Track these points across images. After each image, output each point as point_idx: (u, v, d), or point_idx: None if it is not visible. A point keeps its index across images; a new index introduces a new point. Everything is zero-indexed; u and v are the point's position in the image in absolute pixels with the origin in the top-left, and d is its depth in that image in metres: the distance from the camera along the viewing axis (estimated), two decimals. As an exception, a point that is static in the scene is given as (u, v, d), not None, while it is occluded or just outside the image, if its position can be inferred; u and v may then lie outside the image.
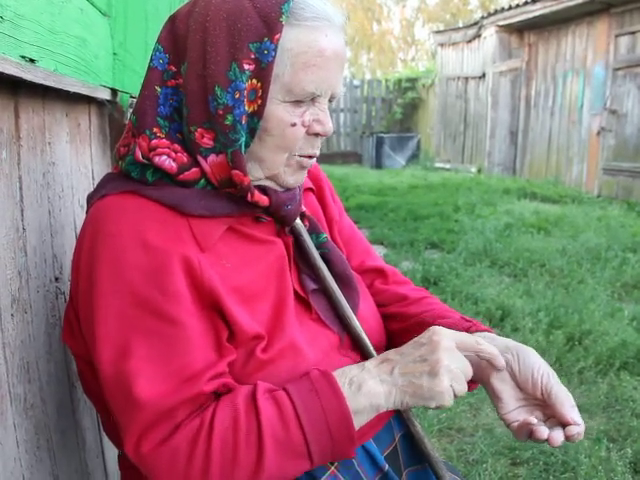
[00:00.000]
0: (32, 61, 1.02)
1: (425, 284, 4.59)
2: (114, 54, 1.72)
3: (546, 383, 0.99)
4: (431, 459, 1.07)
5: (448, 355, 0.92)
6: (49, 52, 1.11)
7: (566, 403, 0.98)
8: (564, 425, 0.97)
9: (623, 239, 5.96)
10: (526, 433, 0.99)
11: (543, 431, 0.96)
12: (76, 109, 1.46)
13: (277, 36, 0.89)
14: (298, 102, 0.94)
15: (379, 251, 5.68)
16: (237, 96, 0.89)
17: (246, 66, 0.89)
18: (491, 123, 12.20)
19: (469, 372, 0.95)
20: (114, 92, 1.72)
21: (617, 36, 9.10)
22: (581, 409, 2.98)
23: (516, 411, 1.02)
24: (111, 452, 1.53)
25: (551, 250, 5.54)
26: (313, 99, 0.95)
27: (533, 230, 6.46)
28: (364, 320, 1.09)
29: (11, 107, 1.04)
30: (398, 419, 1.09)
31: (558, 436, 0.96)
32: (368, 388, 0.90)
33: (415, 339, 0.96)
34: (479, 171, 12.35)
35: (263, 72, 0.90)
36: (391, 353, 0.96)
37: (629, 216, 7.48)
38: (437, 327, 0.97)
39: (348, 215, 1.31)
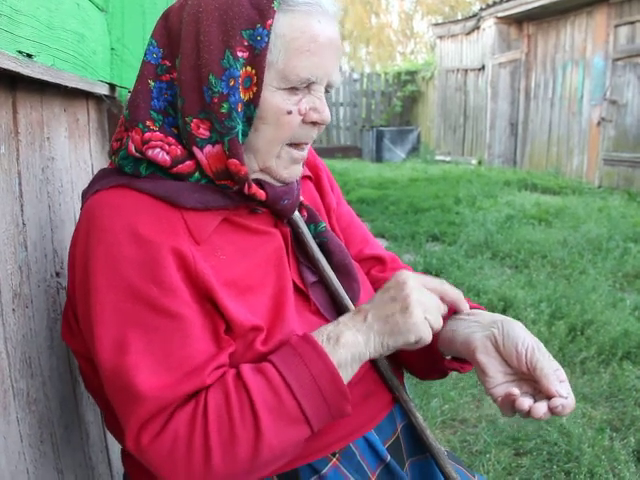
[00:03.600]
0: (29, 56, 1.01)
1: (427, 277, 4.59)
2: (112, 49, 1.72)
3: (531, 356, 0.95)
4: (432, 450, 1.06)
5: (417, 291, 0.95)
6: (46, 47, 1.11)
7: (551, 376, 0.94)
8: (550, 398, 0.93)
9: (624, 229, 5.96)
10: (510, 406, 0.96)
11: (524, 402, 0.93)
12: (74, 104, 1.46)
13: (269, 22, 0.89)
14: (293, 89, 0.93)
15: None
16: (232, 84, 0.89)
17: (240, 53, 0.89)
18: (491, 115, 12.18)
19: (441, 307, 0.98)
20: (112, 87, 1.72)
21: (616, 26, 9.07)
22: (584, 399, 2.97)
23: (503, 385, 0.98)
24: (115, 446, 1.54)
25: (552, 241, 5.54)
26: (309, 87, 0.95)
27: (534, 221, 6.47)
28: None
29: (9, 102, 1.04)
30: (400, 409, 1.09)
31: (540, 408, 0.93)
32: (345, 339, 0.92)
33: (382, 286, 0.99)
34: (479, 163, 12.33)
35: (257, 59, 0.90)
36: (362, 305, 0.98)
37: (630, 206, 7.47)
38: (401, 270, 0.99)
39: (349, 208, 1.31)
